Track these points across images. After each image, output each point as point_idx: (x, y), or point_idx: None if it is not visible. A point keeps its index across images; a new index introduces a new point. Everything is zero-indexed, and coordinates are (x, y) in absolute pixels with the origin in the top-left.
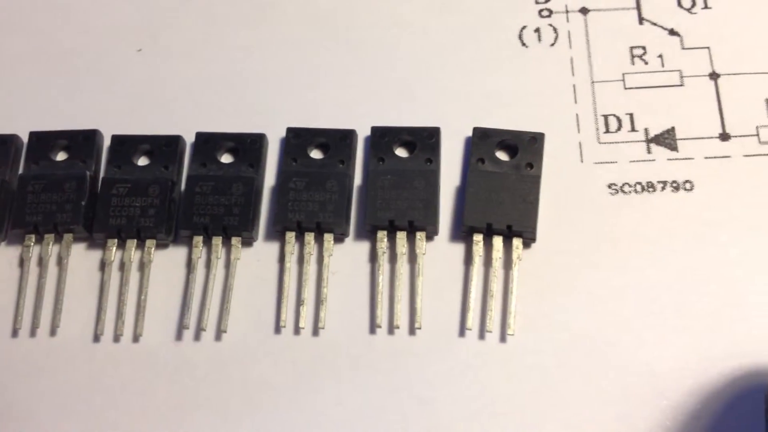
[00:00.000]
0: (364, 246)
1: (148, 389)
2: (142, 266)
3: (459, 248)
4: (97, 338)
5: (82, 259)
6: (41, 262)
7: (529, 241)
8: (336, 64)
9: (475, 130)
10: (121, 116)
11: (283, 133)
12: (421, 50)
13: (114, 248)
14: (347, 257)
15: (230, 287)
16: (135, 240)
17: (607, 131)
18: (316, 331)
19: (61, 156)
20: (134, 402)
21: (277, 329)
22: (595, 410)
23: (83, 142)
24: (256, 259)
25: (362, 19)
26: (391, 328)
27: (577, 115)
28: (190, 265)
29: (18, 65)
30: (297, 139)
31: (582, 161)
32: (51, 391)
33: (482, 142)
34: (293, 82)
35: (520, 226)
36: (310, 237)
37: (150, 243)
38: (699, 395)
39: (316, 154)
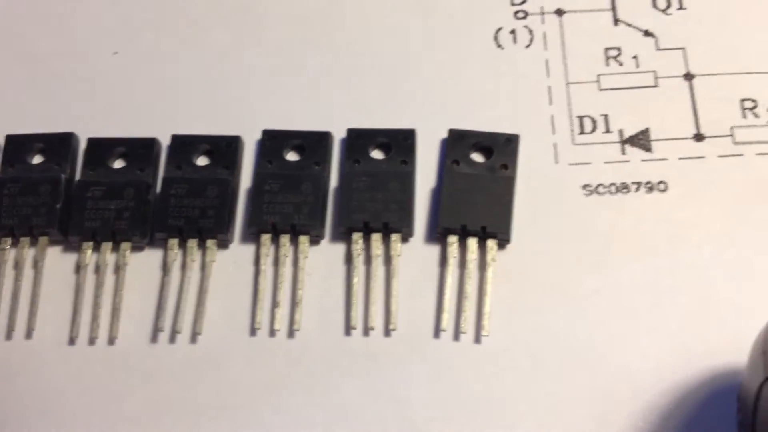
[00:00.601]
0: (340, 248)
1: (123, 391)
2: (118, 269)
3: (434, 250)
4: (72, 341)
5: (57, 262)
6: (17, 266)
7: (503, 242)
8: (313, 66)
9: (451, 131)
10: (97, 119)
11: (260, 136)
12: (397, 52)
13: (89, 251)
14: (323, 259)
15: (205, 289)
16: (110, 243)
17: (582, 132)
18: (291, 333)
19: (37, 159)
20: (109, 404)
21: (252, 331)
22: (569, 411)
23: (59, 145)
24: (232, 262)
25: (339, 21)
26: (367, 330)
27: (552, 116)
28: (165, 268)
29: None
30: (272, 141)
31: (557, 162)
32: (26, 394)
33: (457, 144)
34: (270, 84)
35: (494, 228)
36: (285, 239)
37: (125, 246)
38: (673, 395)
39: (292, 156)
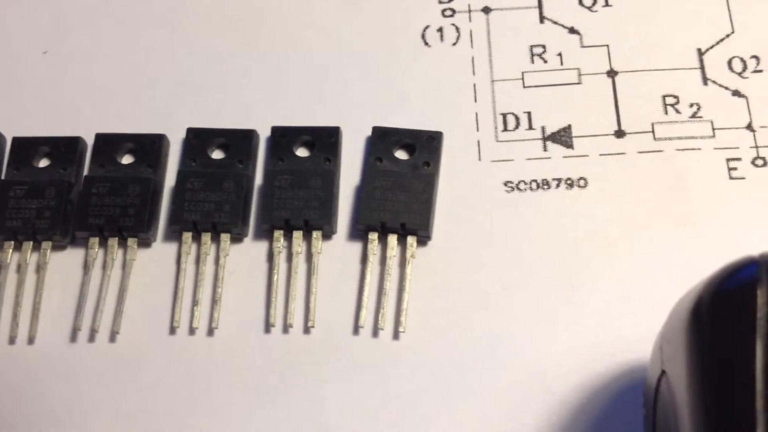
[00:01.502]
0: (264, 246)
1: (43, 391)
2: (39, 268)
3: (357, 247)
4: None
5: None
6: None
7: (424, 239)
8: (240, 65)
9: (374, 129)
10: (25, 118)
11: (187, 135)
12: (325, 50)
13: (10, 250)
14: (245, 257)
15: (125, 288)
16: (31, 242)
17: (506, 129)
18: (210, 332)
19: None
20: (28, 404)
21: (172, 330)
22: (484, 406)
23: None
24: (154, 260)
25: (265, 20)
26: (286, 327)
27: (476, 113)
28: (86, 267)
29: None
30: (197, 139)
31: (480, 159)
32: None
33: (381, 141)
34: (197, 83)
35: (414, 225)
36: (206, 237)
37: (46, 245)
38: (585, 390)
39: (217, 154)
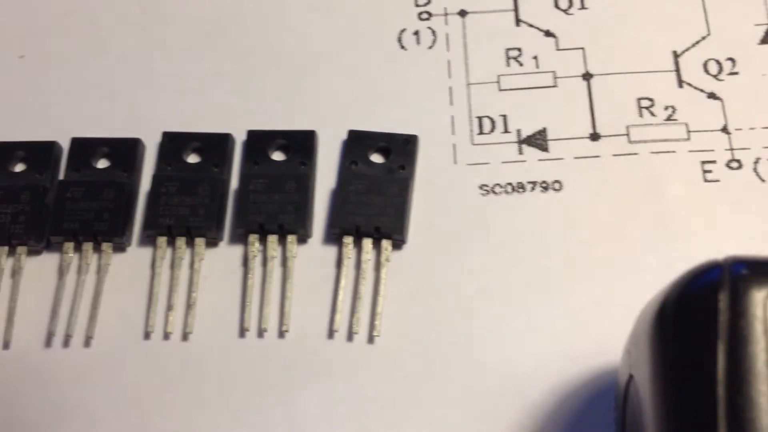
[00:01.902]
0: (239, 250)
1: (18, 395)
2: (14, 273)
3: (332, 251)
4: None
5: None
6: None
7: (399, 242)
8: (215, 68)
9: (350, 132)
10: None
11: (161, 139)
12: (301, 54)
13: None
14: (221, 262)
15: (99, 293)
16: (6, 247)
17: (481, 133)
18: (185, 336)
19: None
20: (1, 408)
21: (146, 335)
22: (458, 409)
23: None
24: (129, 264)
25: (240, 23)
26: (260, 332)
27: (452, 117)
28: (60, 272)
29: None
30: (172, 143)
31: (456, 162)
32: None
33: (356, 145)
34: (172, 86)
35: (388, 228)
36: (181, 242)
37: (21, 250)
38: (558, 394)
39: (193, 158)
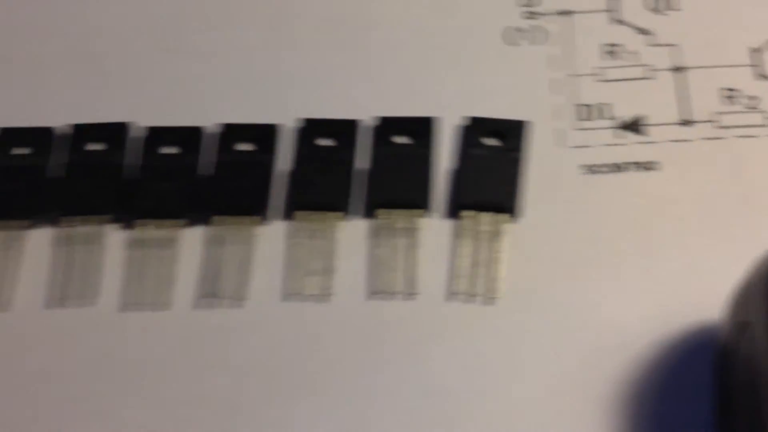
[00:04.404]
0: (367, 223)
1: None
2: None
3: (451, 224)
4: None
5: None
6: None
7: (513, 216)
8: (346, 62)
9: (466, 118)
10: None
11: (299, 124)
12: (418, 49)
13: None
14: (355, 234)
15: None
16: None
17: (582, 119)
18: (323, 298)
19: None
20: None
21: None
22: (568, 363)
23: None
24: (271, 238)
25: (371, 21)
26: (391, 295)
27: (555, 105)
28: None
29: None
30: (308, 129)
31: (560, 146)
32: None
33: (472, 129)
34: (306, 77)
35: (503, 203)
36: (317, 215)
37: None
38: (658, 348)
39: (326, 142)
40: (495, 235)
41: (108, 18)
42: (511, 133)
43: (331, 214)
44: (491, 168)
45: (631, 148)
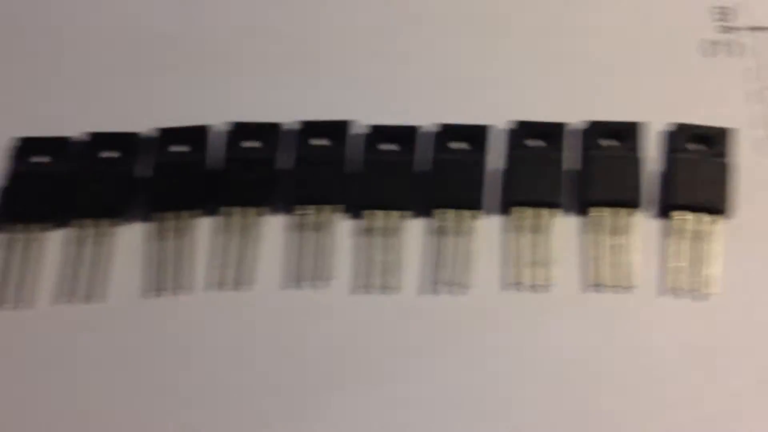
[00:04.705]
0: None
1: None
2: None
3: (664, 224)
4: None
5: None
6: None
7: (724, 218)
8: (559, 68)
9: (673, 124)
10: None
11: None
12: (623, 59)
13: None
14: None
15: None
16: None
17: None
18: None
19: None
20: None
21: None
22: None
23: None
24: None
25: (554, 27)
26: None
27: (750, 114)
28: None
29: None
30: (520, 130)
31: (760, 152)
32: None
33: (678, 135)
34: (520, 81)
35: (715, 204)
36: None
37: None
38: None
39: (536, 143)
40: (707, 234)
41: (325, 21)
42: (716, 139)
43: (545, 211)
44: (701, 171)
45: None
